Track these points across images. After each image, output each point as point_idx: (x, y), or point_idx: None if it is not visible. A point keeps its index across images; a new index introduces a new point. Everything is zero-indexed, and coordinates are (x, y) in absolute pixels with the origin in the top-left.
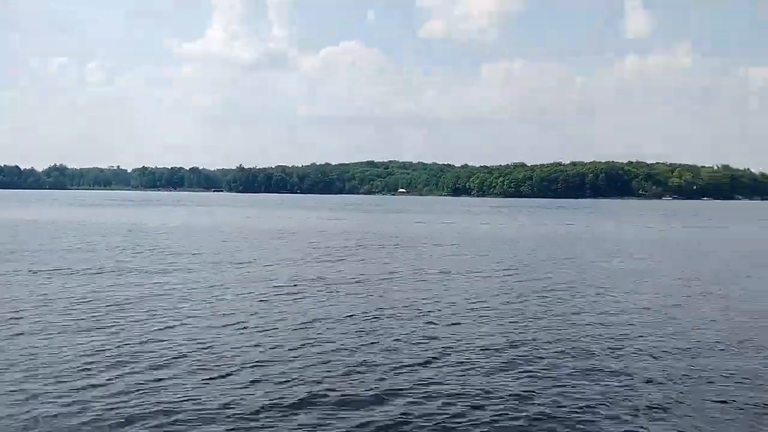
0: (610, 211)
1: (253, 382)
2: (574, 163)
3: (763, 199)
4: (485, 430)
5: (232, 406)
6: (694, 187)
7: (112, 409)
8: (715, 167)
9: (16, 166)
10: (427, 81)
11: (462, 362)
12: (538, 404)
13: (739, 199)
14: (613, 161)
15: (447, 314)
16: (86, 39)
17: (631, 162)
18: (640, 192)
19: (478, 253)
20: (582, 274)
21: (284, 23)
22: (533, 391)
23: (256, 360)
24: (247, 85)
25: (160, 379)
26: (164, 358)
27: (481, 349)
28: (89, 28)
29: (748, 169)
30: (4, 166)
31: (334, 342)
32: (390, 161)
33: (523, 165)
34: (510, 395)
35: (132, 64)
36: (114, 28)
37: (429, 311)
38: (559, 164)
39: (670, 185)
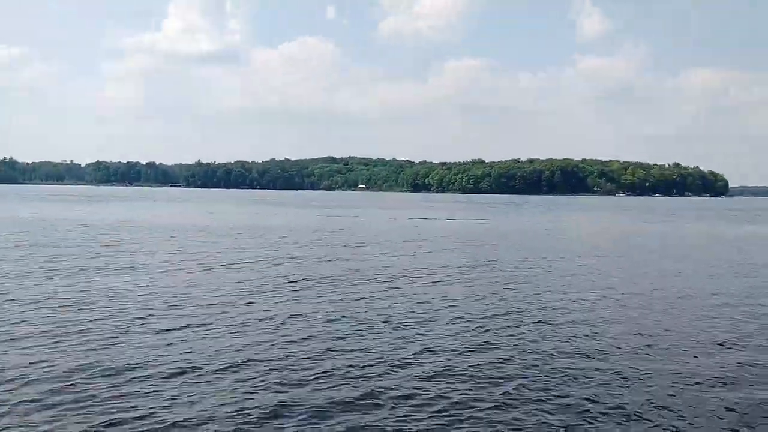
0: (564, 206)
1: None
2: (531, 161)
3: (711, 196)
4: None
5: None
6: (647, 184)
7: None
8: (666, 165)
9: None
10: (385, 77)
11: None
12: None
13: (689, 196)
14: (568, 159)
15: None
16: (35, 30)
17: (586, 159)
18: (595, 189)
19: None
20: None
21: (242, 17)
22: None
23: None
24: (204, 79)
25: (130, 381)
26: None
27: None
28: (37, 20)
29: (698, 167)
30: None
31: (305, 344)
32: (349, 157)
33: (482, 162)
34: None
35: (85, 56)
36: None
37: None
38: (517, 161)
39: (623, 182)
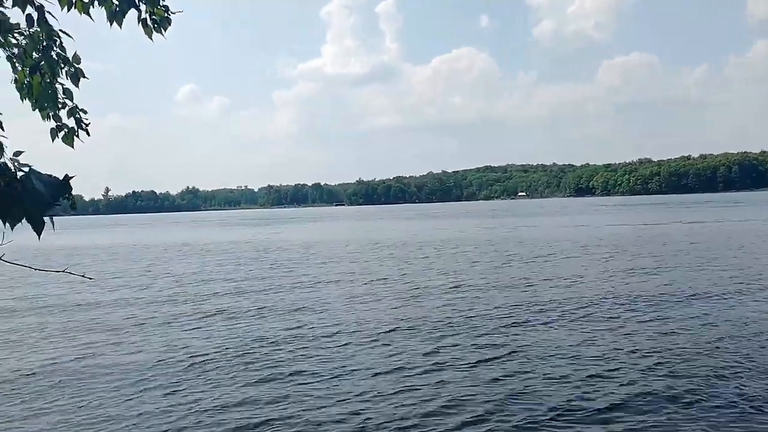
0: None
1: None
2: (703, 156)
3: None
4: None
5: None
6: None
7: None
8: None
9: (152, 191)
10: (540, 81)
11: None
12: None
13: None
14: (746, 152)
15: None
16: (208, 70)
17: (765, 152)
18: None
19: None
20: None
21: (395, 35)
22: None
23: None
24: (362, 99)
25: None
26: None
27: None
28: (210, 59)
29: None
30: (142, 191)
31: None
32: (508, 165)
33: (649, 161)
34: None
35: (250, 90)
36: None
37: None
38: (688, 158)
39: None
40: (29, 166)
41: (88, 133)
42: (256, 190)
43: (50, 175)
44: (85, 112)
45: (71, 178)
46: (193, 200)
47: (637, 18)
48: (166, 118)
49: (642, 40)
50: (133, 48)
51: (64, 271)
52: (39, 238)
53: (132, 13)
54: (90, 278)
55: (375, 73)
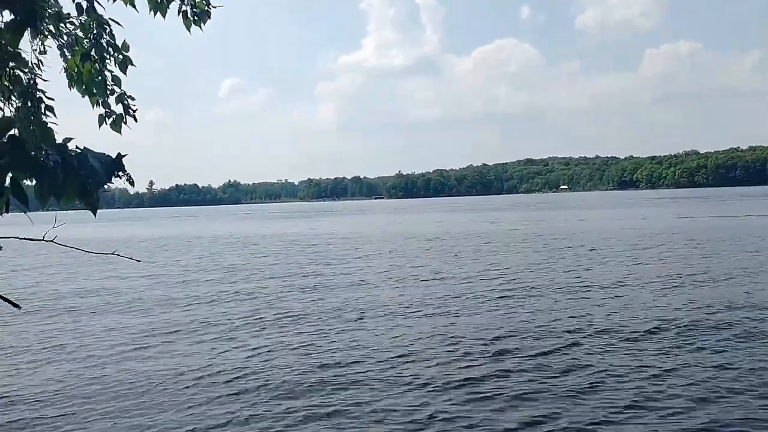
0: None
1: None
2: (753, 148)
3: None
4: None
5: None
6: None
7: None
8: None
9: (195, 184)
10: (583, 72)
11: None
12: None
13: None
14: None
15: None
16: (249, 64)
17: None
18: None
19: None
20: None
21: (436, 27)
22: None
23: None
24: (402, 91)
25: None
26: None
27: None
28: (251, 54)
29: None
30: (185, 184)
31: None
32: (549, 157)
33: (695, 153)
34: None
35: (291, 83)
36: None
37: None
38: (737, 150)
39: None
40: (83, 147)
41: (135, 119)
42: (296, 183)
43: (104, 154)
44: (133, 99)
45: (124, 156)
46: (234, 193)
47: (684, 4)
48: (208, 112)
49: (689, 27)
50: (174, 42)
51: (113, 254)
52: (95, 214)
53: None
54: (138, 260)
55: (416, 65)
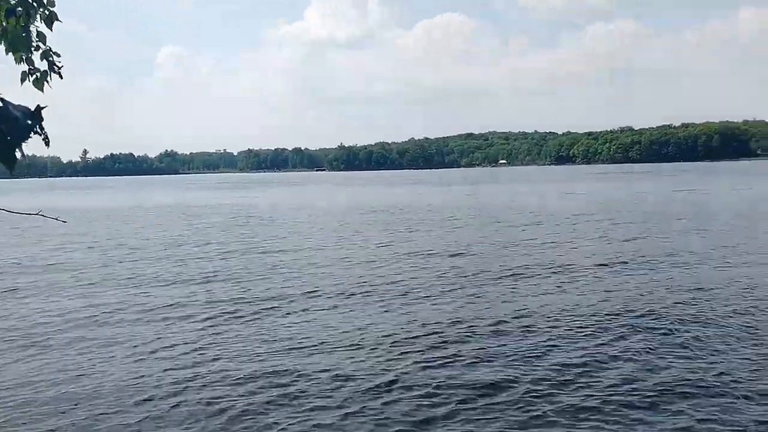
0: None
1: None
2: (685, 125)
3: None
4: None
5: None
6: None
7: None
8: None
9: (131, 153)
10: (523, 48)
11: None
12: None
13: None
14: (728, 121)
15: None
16: (188, 33)
17: (748, 121)
18: (758, 152)
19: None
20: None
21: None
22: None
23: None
24: (344, 63)
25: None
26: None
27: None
28: (190, 21)
29: None
30: (120, 154)
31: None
32: (489, 132)
33: (630, 129)
34: None
35: (232, 53)
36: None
37: None
38: (670, 126)
39: None
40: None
41: (60, 76)
42: (235, 153)
43: (23, 106)
44: (59, 56)
45: (43, 108)
46: (171, 163)
47: None
48: (145, 80)
49: (629, 4)
50: (110, 8)
51: (38, 214)
52: (11, 170)
53: None
54: (64, 221)
55: (358, 37)
